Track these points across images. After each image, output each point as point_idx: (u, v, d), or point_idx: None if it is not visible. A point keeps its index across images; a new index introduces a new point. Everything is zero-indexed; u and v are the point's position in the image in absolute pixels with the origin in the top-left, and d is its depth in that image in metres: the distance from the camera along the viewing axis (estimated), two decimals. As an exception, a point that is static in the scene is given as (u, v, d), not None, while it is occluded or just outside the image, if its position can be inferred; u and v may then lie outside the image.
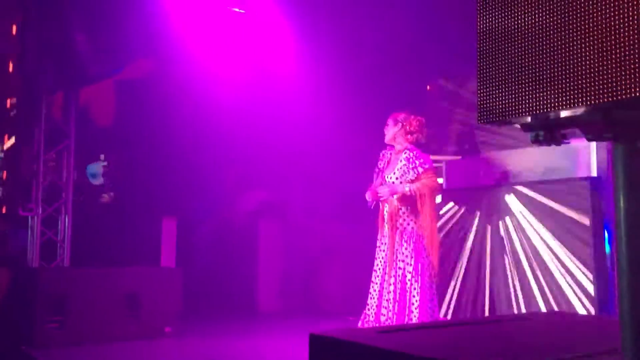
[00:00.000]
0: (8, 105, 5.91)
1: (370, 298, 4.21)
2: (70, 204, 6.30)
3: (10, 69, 5.96)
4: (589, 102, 1.31)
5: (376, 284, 4.20)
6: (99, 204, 7.30)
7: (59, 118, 6.33)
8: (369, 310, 4.18)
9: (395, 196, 4.14)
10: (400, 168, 4.18)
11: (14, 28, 5.93)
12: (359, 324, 4.21)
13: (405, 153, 4.21)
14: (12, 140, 6.14)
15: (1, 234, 6.08)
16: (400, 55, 6.97)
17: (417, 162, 4.14)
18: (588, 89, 1.31)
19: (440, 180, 5.89)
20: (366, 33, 7.12)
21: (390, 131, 4.32)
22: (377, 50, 7.16)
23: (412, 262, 4.06)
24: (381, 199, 4.22)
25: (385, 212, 4.24)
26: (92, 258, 6.09)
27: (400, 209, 4.16)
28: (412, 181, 4.12)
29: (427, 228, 4.07)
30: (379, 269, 4.22)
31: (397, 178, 4.18)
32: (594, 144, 4.65)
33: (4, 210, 5.98)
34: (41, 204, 6.08)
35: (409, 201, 4.12)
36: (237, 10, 6.81)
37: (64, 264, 6.18)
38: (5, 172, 5.81)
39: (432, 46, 6.74)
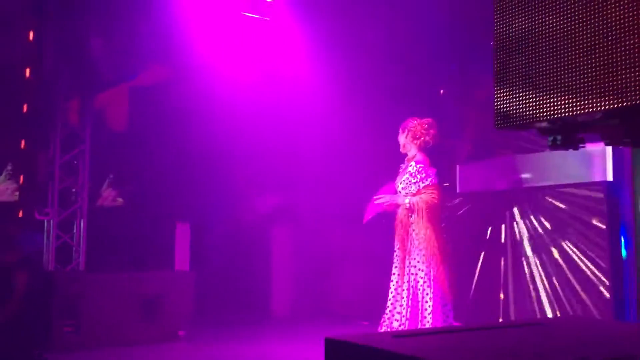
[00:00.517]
0: (25, 110, 5.97)
1: (388, 302, 4.25)
2: (86, 208, 6.35)
3: (27, 75, 6.03)
4: (606, 107, 1.30)
5: (392, 289, 4.24)
6: (115, 208, 7.34)
7: (75, 123, 6.38)
8: (386, 314, 4.22)
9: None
10: (404, 180, 4.28)
11: (31, 34, 6.00)
12: (379, 328, 4.24)
13: (411, 166, 4.28)
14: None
15: (17, 238, 6.14)
16: (413, 59, 6.95)
17: (419, 176, 4.23)
18: (606, 94, 1.31)
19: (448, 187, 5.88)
20: (378, 36, 7.11)
21: (400, 140, 4.41)
22: (390, 54, 7.15)
23: (424, 268, 4.09)
24: (385, 204, 4.30)
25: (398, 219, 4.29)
26: (107, 262, 6.13)
27: (411, 216, 4.21)
28: (413, 194, 4.18)
29: (425, 240, 4.12)
30: (395, 274, 4.25)
31: (402, 188, 4.28)
32: (609, 148, 4.61)
33: (20, 214, 6.03)
34: (57, 207, 6.14)
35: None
36: (251, 15, 6.84)
37: (79, 267, 6.22)
38: (22, 176, 5.87)
39: (445, 49, 6.73)
